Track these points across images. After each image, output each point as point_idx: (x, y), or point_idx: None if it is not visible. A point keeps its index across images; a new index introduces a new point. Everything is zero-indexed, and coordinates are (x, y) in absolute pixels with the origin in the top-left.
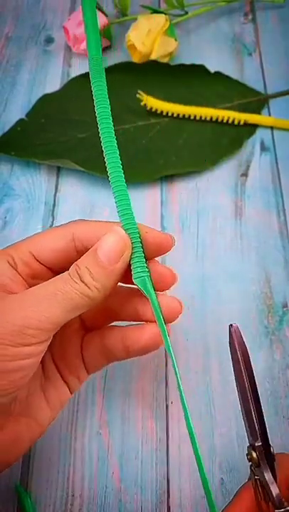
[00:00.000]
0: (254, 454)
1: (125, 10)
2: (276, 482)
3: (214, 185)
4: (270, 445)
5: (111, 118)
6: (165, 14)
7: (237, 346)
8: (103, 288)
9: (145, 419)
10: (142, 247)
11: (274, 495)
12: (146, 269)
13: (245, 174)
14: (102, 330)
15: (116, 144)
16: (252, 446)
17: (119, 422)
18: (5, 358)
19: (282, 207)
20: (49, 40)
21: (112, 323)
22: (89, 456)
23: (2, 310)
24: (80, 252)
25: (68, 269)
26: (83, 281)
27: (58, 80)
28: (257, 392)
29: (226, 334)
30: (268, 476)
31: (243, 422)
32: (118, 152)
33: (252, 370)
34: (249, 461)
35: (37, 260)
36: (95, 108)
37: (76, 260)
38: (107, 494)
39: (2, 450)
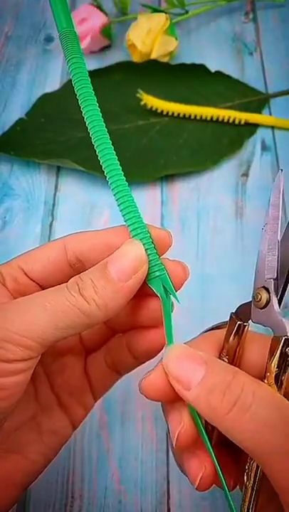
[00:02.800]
0: (265, 294)
1: (125, 9)
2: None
3: (215, 185)
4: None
5: (97, 103)
6: (165, 13)
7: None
8: (105, 307)
9: (145, 421)
10: (153, 244)
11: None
12: (163, 267)
13: (245, 174)
14: (104, 345)
15: (105, 129)
16: (264, 288)
17: (119, 424)
18: None
19: (282, 207)
20: (49, 39)
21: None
22: (89, 458)
23: None
24: (74, 267)
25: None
26: (82, 295)
27: (58, 79)
28: None
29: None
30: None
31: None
32: (110, 140)
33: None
34: (256, 302)
35: (26, 275)
36: (78, 97)
37: (69, 275)
38: (107, 495)
39: None
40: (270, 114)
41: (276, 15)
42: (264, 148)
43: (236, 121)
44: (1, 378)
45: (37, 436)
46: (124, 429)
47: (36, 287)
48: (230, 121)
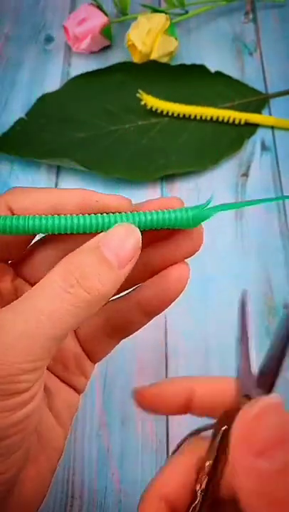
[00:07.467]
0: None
1: (125, 9)
2: None
3: (215, 185)
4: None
5: None
6: (165, 13)
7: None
8: (109, 295)
9: (145, 421)
10: None
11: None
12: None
13: (245, 174)
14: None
15: None
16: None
17: (119, 424)
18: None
19: (282, 207)
20: (49, 40)
21: None
22: (89, 458)
23: None
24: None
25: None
26: (82, 286)
27: (58, 79)
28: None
29: (225, 335)
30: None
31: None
32: None
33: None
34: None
35: None
36: None
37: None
38: (107, 495)
39: (29, 501)
40: (270, 114)
41: (276, 15)
42: (264, 148)
43: (236, 121)
44: (21, 411)
45: (54, 423)
46: (124, 429)
47: None
48: (230, 121)
